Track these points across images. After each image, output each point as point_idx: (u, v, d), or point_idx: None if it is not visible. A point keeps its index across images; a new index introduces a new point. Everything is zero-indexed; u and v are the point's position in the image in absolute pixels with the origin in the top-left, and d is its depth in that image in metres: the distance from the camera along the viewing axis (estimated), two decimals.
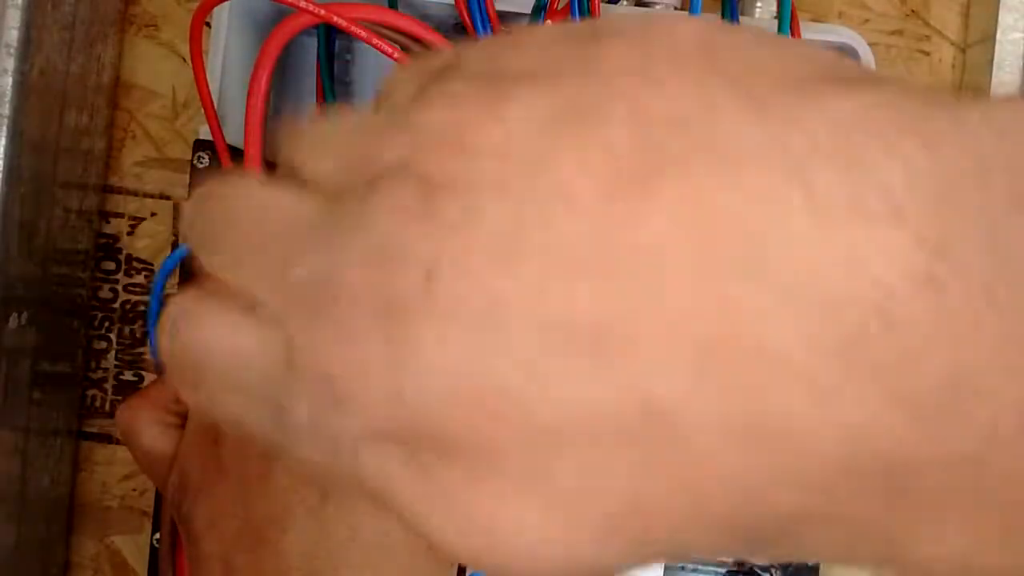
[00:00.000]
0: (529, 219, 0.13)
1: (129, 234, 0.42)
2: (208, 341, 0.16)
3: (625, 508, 0.13)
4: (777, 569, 0.36)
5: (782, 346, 0.12)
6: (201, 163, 0.35)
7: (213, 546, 0.29)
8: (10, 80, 0.34)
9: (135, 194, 0.42)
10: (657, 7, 0.37)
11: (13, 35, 0.34)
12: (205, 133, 0.35)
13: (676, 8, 0.37)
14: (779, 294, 0.12)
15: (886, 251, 0.12)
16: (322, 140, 0.16)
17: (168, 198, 0.42)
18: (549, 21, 0.33)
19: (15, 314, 0.36)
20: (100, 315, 0.42)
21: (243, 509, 0.28)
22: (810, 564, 0.35)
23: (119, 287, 0.42)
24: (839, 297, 0.12)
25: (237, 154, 0.34)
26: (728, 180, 0.13)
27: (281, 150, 0.17)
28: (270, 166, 0.33)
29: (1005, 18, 0.39)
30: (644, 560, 0.14)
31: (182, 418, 0.32)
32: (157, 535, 0.35)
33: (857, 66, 0.14)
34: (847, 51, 0.35)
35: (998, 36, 0.39)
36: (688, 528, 0.14)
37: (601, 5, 0.34)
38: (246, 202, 0.17)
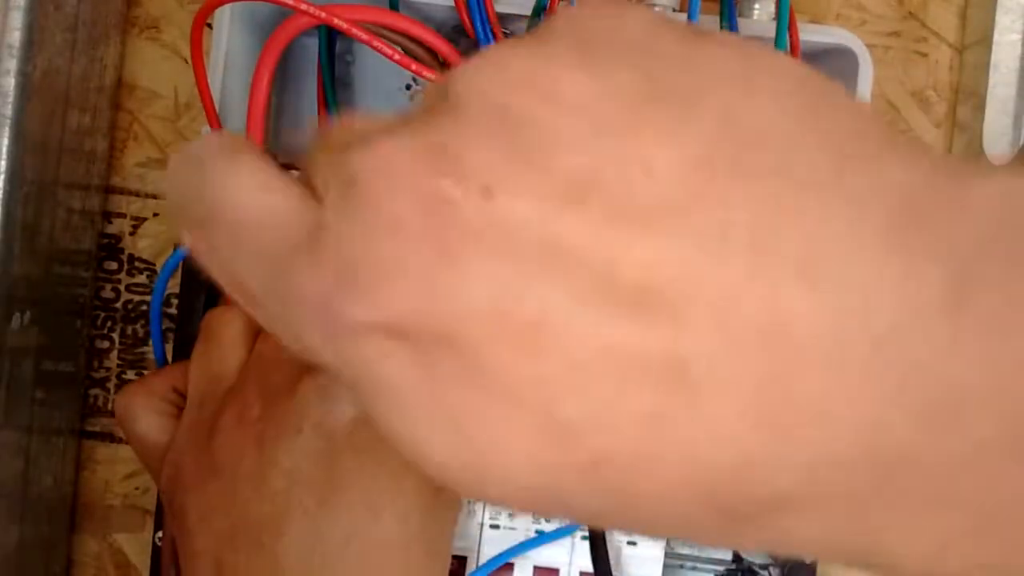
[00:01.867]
0: (601, 171, 0.14)
1: (131, 234, 0.42)
2: (233, 188, 0.17)
3: (619, 453, 0.14)
4: (774, 567, 0.36)
5: (819, 341, 0.13)
6: None
7: (205, 542, 0.29)
8: (13, 81, 0.34)
9: (137, 195, 0.42)
10: (656, 8, 0.38)
11: (15, 36, 0.34)
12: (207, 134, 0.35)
13: (674, 10, 0.38)
14: (823, 296, 0.13)
15: (918, 278, 0.13)
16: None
17: None
18: None
19: (18, 314, 0.36)
20: (102, 315, 0.42)
21: (236, 509, 0.28)
22: (807, 562, 0.35)
23: (121, 287, 0.42)
24: (875, 306, 0.13)
25: None
26: (794, 202, 0.14)
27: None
28: None
29: (1002, 19, 0.39)
30: (614, 510, 0.15)
31: (179, 408, 0.32)
32: (159, 533, 0.36)
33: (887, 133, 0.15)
34: (844, 53, 0.35)
35: (995, 37, 0.39)
36: (672, 491, 0.14)
37: None
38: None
